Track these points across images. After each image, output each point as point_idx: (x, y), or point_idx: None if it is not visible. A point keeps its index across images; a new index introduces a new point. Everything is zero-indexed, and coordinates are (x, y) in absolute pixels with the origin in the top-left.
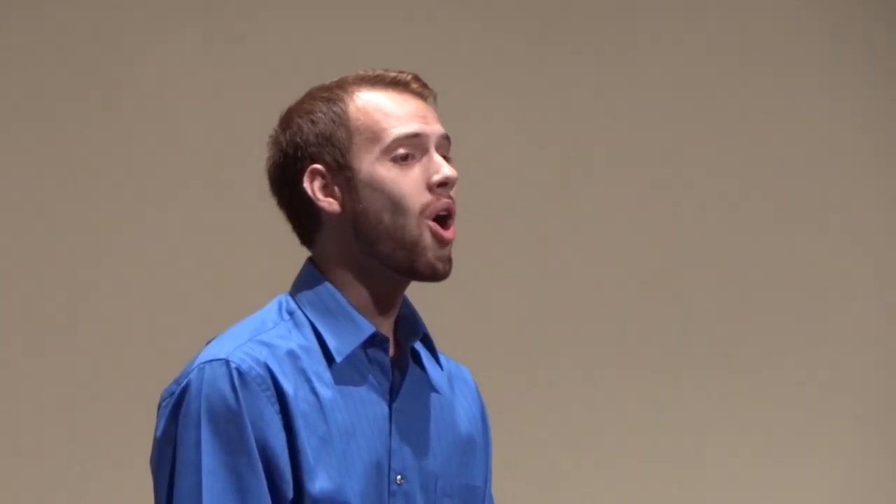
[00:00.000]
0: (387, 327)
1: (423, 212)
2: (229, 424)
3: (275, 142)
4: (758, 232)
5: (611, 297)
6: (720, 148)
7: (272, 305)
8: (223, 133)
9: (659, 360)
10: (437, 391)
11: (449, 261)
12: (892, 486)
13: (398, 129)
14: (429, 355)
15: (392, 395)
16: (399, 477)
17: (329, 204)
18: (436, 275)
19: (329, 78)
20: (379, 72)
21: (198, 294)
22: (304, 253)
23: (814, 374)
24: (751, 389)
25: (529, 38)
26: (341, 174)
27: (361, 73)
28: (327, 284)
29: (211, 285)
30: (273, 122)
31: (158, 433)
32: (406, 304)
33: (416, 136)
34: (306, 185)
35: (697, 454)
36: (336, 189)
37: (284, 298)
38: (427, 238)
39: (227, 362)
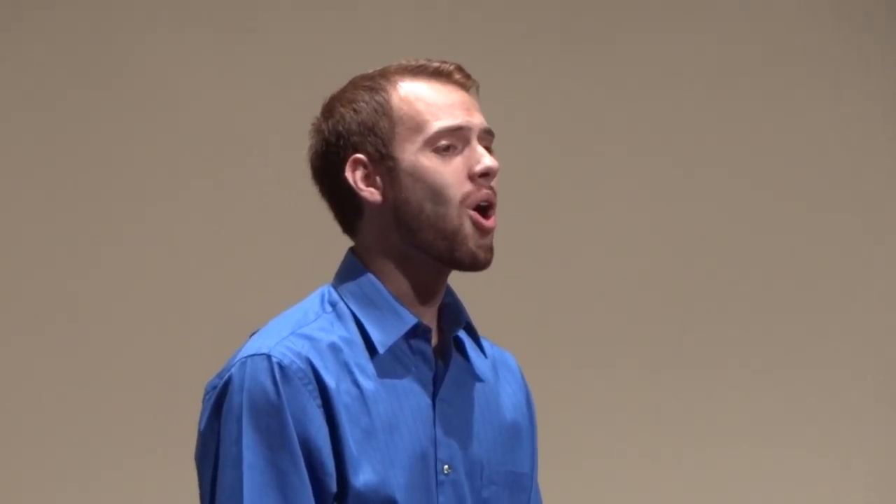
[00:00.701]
0: (429, 317)
1: (463, 201)
2: (271, 419)
3: (317, 130)
4: (768, 229)
5: (616, 293)
6: (728, 145)
7: (314, 297)
8: (230, 130)
9: (666, 356)
10: (480, 379)
11: (490, 250)
12: None
13: (441, 121)
14: (472, 343)
15: (435, 385)
16: (446, 466)
17: (370, 194)
18: (476, 264)
19: (333, 79)
20: (422, 62)
21: (199, 295)
22: (311, 253)
23: (822, 371)
24: (769, 386)
25: (532, 35)
26: (383, 164)
27: (404, 62)
28: (369, 275)
29: (218, 285)
30: (277, 121)
31: (202, 426)
32: (449, 292)
33: (459, 128)
34: (348, 174)
35: (702, 452)
36: (378, 179)
37: (327, 290)
38: (468, 227)
39: (268, 357)
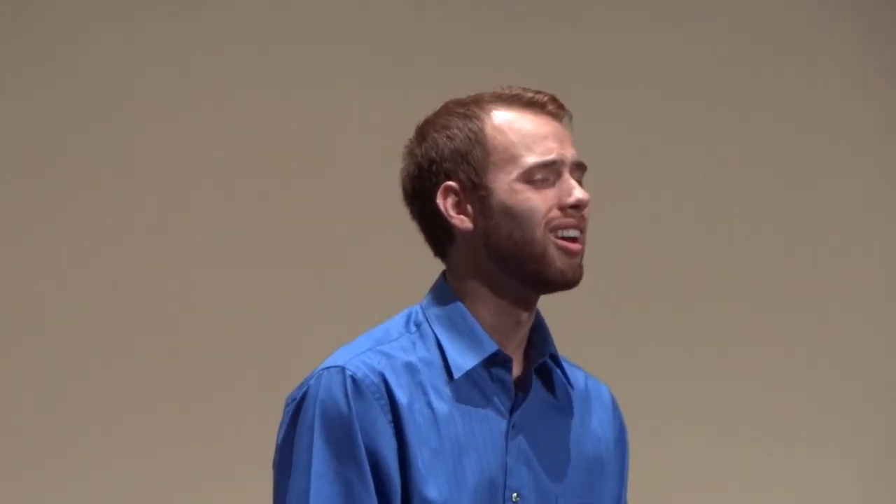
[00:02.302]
0: (514, 346)
1: (548, 225)
2: (341, 431)
3: (410, 153)
4: (776, 224)
5: (619, 290)
6: (732, 138)
7: (401, 316)
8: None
9: (664, 356)
10: (563, 411)
11: (579, 268)
12: None
13: (535, 155)
14: (559, 374)
15: (512, 414)
16: (515, 495)
17: (461, 221)
18: (566, 282)
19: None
20: (516, 91)
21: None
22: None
23: (826, 366)
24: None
25: (526, 33)
26: (475, 192)
27: (498, 90)
28: (455, 300)
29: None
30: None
31: (280, 437)
32: (539, 322)
33: (552, 163)
34: (439, 201)
35: (695, 446)
36: (469, 207)
37: (415, 310)
38: (553, 250)
39: (342, 370)
